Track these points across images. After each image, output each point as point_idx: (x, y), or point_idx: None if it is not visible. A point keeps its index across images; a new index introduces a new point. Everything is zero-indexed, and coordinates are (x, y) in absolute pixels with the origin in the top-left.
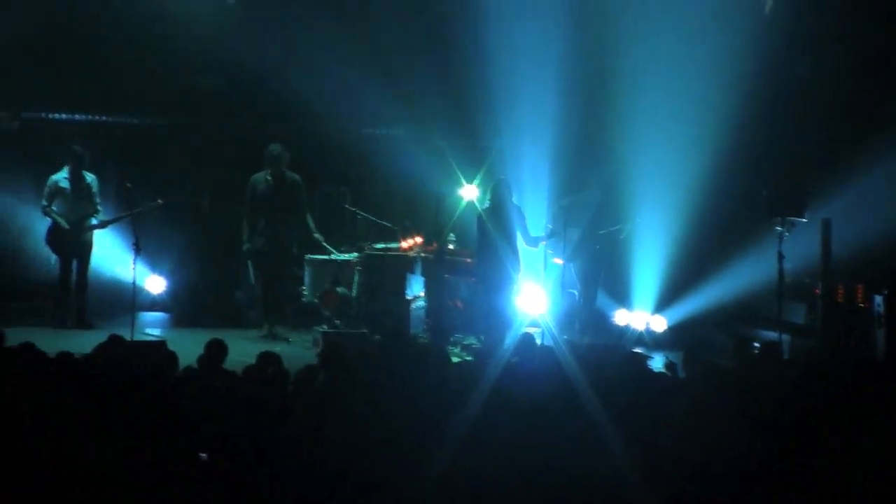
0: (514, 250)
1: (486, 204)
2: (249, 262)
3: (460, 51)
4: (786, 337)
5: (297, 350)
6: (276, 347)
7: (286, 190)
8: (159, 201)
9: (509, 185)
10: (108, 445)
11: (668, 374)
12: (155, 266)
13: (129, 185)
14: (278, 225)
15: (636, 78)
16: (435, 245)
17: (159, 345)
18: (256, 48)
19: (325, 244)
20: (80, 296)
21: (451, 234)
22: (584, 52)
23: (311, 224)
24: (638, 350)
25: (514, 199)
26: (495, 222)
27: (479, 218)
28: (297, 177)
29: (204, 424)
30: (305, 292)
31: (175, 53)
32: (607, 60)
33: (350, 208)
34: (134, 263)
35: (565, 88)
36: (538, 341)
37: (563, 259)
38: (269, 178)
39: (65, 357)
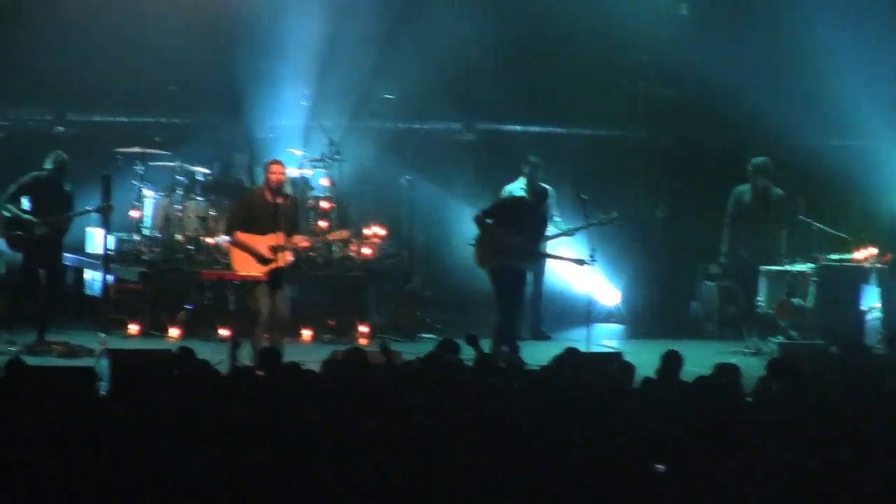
0: None
1: None
2: (715, 272)
3: None
4: None
5: (758, 361)
6: (733, 359)
7: (772, 204)
8: (615, 214)
9: None
10: (564, 454)
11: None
12: (611, 277)
13: (584, 196)
14: (763, 239)
15: None
16: (889, 257)
17: (615, 356)
18: (709, 59)
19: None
20: (534, 306)
21: None
22: None
23: (784, 243)
24: None
25: None
26: None
27: None
28: (781, 192)
29: (658, 435)
30: (761, 303)
31: (629, 64)
32: None
33: (804, 219)
34: (590, 275)
35: None
36: None
37: None
38: (753, 190)
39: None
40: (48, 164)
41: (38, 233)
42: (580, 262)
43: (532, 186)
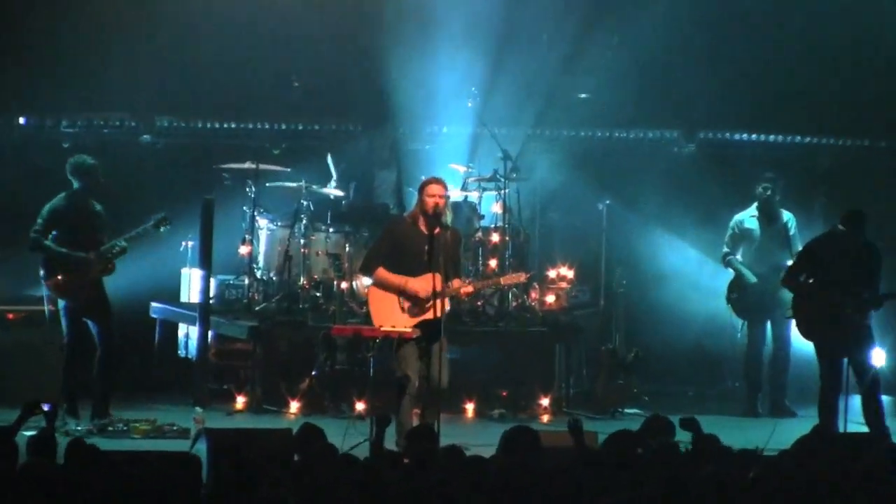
0: None
1: None
2: None
3: None
4: None
5: None
6: None
7: None
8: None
9: None
10: None
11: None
12: (875, 333)
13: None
14: None
15: None
16: None
17: (878, 438)
18: None
19: None
20: (777, 375)
21: None
22: None
23: None
24: None
25: None
26: None
27: None
28: None
29: None
30: None
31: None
32: None
33: None
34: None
35: None
36: None
37: None
38: None
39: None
40: (69, 175)
41: (93, 271)
42: None
43: (767, 211)
